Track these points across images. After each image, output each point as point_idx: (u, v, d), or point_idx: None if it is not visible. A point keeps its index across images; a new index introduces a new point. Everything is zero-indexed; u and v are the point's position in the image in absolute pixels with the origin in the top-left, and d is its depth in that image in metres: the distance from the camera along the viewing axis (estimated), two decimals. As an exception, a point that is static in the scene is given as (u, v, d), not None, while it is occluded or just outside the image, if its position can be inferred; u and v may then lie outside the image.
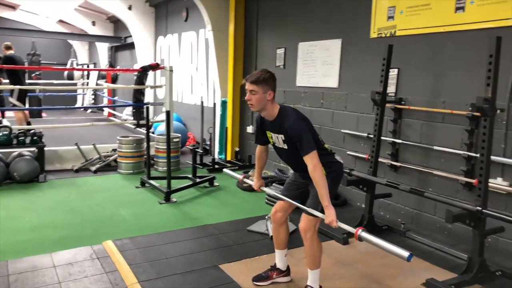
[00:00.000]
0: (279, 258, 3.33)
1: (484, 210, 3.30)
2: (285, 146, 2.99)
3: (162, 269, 3.47)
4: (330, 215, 2.76)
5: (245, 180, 3.54)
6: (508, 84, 3.67)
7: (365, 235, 2.57)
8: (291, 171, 3.32)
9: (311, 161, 2.80)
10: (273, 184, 5.57)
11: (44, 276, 3.31)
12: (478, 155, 3.47)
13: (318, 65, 5.89)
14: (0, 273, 3.32)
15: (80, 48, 17.74)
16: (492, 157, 3.58)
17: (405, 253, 2.37)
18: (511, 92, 3.67)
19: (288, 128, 2.87)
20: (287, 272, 3.36)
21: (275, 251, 3.35)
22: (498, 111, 3.35)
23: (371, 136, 4.60)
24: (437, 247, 4.08)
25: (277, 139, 3.02)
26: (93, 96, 15.57)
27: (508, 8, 3.65)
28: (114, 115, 13.38)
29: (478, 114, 3.56)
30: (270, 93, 2.89)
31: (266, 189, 3.40)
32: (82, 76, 15.22)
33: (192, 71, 9.84)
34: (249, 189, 5.96)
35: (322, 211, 2.86)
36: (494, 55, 3.16)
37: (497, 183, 3.79)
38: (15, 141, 6.25)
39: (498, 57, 3.19)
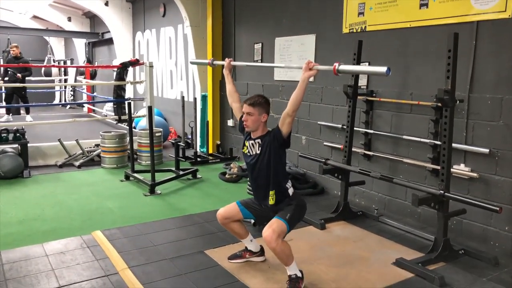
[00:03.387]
0: (247, 244, 3.62)
1: (446, 194, 3.58)
2: (258, 151, 3.23)
3: (151, 256, 3.67)
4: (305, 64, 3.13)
5: (215, 62, 3.94)
6: (468, 76, 3.97)
7: (343, 66, 2.87)
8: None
9: None
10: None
11: (37, 264, 3.48)
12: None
13: (294, 59, 6.12)
14: (-6, 263, 3.48)
15: (56, 44, 17.56)
16: (455, 145, 3.89)
17: (383, 68, 2.62)
18: (471, 83, 3.97)
19: (273, 130, 3.19)
20: (260, 252, 3.64)
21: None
22: (458, 102, 3.64)
23: (345, 127, 4.86)
24: (408, 230, 4.36)
25: (253, 147, 3.27)
26: (72, 92, 15.50)
27: (466, 5, 3.94)
28: (94, 111, 13.38)
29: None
30: (264, 116, 3.21)
31: (236, 63, 3.67)
32: (60, 73, 15.11)
33: (171, 66, 9.96)
34: (231, 180, 6.18)
35: (290, 220, 3.14)
36: (452, 50, 3.44)
37: (460, 168, 4.10)
38: (-3, 138, 6.34)
39: (456, 52, 3.47)
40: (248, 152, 3.32)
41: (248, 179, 5.74)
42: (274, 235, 2.98)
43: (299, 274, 3.21)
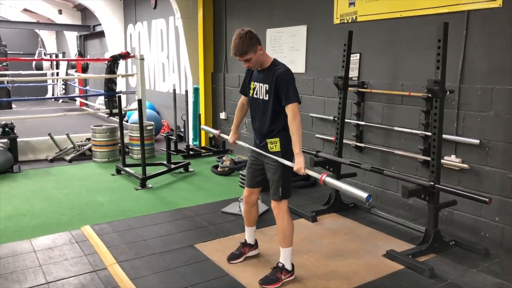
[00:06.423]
0: (249, 234, 3.55)
1: (436, 185, 3.56)
2: (266, 97, 3.11)
3: (140, 250, 3.64)
4: (299, 163, 2.95)
5: (221, 135, 3.78)
6: (459, 66, 3.94)
7: (329, 179, 2.81)
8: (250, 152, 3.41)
9: (292, 110, 2.98)
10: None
11: (25, 260, 3.44)
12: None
13: (286, 51, 6.07)
14: (-19, 260, 3.44)
15: (47, 37, 17.39)
16: (446, 136, 3.86)
17: (364, 194, 2.62)
18: (462, 74, 3.94)
19: (279, 74, 3.01)
20: (255, 245, 3.60)
21: (245, 228, 3.57)
22: (448, 93, 3.61)
23: (337, 119, 4.82)
24: (399, 222, 4.35)
25: (260, 89, 3.14)
26: (63, 86, 15.37)
27: (457, -5, 3.90)
28: (86, 105, 13.29)
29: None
30: (259, 49, 3.05)
31: (241, 143, 3.54)
32: (51, 66, 14.98)
33: (163, 59, 9.88)
34: (224, 173, 6.15)
35: (283, 195, 3.13)
36: (442, 40, 3.41)
37: (451, 160, 4.08)
38: (-14, 133, 6.27)
39: (445, 42, 3.44)
40: (255, 94, 3.18)
41: (240, 171, 5.74)
42: (278, 205, 3.16)
43: (288, 267, 3.19)
